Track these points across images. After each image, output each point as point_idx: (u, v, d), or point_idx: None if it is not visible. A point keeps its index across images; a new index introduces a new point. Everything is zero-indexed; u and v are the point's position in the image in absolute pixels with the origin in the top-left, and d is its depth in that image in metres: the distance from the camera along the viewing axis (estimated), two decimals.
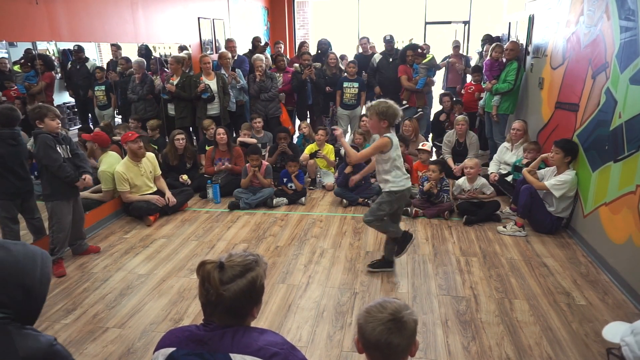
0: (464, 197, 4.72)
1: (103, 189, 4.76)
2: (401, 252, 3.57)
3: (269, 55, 7.59)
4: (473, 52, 8.92)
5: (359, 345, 1.42)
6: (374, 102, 3.28)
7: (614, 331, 1.30)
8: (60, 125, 3.66)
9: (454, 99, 7.03)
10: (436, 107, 7.45)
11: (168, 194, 4.96)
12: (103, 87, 5.19)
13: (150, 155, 4.96)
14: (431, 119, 7.26)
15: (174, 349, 1.38)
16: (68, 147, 3.77)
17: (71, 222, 3.86)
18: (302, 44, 7.90)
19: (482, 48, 7.29)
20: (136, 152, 4.73)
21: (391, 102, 3.26)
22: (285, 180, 5.35)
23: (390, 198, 3.38)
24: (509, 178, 5.12)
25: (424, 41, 9.29)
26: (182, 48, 6.34)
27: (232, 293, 1.35)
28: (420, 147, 5.54)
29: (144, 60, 5.58)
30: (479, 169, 4.77)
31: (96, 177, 4.82)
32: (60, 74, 4.57)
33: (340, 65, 7.18)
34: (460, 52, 7.86)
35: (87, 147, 4.70)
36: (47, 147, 3.55)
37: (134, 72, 5.51)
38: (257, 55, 6.80)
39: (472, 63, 8.03)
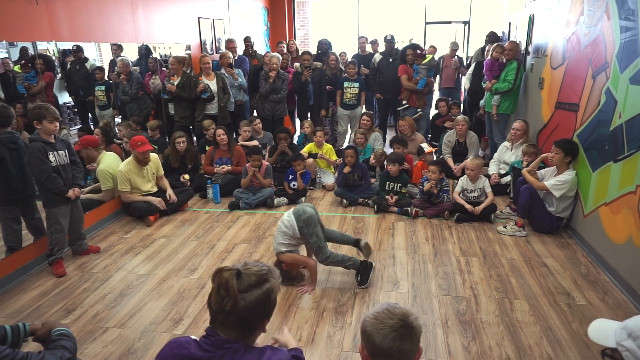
0: (464, 201, 4.63)
1: (102, 188, 4.76)
2: (366, 281, 3.39)
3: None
4: (473, 51, 8.91)
5: (364, 353, 1.36)
6: None
7: (602, 331, 1.25)
8: (57, 128, 3.59)
9: (451, 101, 7.03)
10: (433, 110, 7.44)
11: (170, 191, 4.97)
12: (103, 87, 5.18)
13: (153, 156, 4.94)
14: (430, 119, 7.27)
15: None
16: (66, 151, 3.73)
17: (69, 222, 3.85)
18: (304, 52, 7.92)
19: (485, 44, 7.26)
20: (141, 159, 4.72)
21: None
22: (290, 177, 5.35)
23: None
24: (507, 179, 5.11)
25: (424, 41, 9.29)
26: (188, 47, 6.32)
27: (247, 303, 1.34)
28: (426, 151, 5.58)
29: (128, 58, 5.47)
30: (480, 170, 4.74)
31: (95, 177, 4.83)
32: (60, 74, 4.57)
33: (341, 65, 7.18)
34: (457, 55, 7.79)
35: (84, 153, 4.68)
36: (36, 158, 3.47)
37: (119, 71, 5.37)
38: (274, 53, 6.80)
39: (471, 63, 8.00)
